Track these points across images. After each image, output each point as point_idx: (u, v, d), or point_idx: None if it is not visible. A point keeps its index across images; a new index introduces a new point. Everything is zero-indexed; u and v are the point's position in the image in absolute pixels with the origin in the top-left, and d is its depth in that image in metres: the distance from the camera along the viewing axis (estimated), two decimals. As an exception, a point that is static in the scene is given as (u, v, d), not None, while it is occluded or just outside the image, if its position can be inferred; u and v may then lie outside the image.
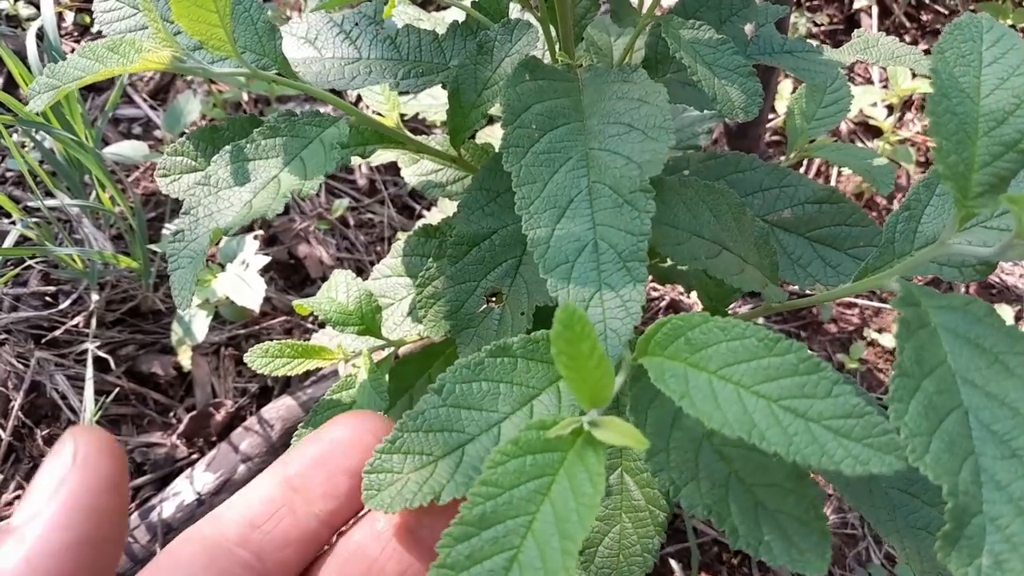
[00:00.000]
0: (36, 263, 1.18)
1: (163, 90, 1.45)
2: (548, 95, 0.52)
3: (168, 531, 0.99)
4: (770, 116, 1.40)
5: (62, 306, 1.15)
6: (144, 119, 1.40)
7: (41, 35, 1.09)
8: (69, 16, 1.48)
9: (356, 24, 0.62)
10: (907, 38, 1.60)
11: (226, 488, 1.02)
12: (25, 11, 1.43)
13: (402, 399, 0.77)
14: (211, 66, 0.55)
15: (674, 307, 1.29)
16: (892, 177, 0.78)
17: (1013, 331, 0.39)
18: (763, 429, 0.33)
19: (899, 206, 0.50)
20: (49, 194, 1.16)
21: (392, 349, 0.75)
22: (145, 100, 1.42)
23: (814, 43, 0.66)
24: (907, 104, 1.51)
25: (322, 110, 0.58)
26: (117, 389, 1.13)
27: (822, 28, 1.60)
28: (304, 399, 1.09)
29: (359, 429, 0.40)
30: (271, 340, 0.87)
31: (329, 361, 0.73)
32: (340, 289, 0.71)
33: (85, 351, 1.11)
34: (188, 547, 0.36)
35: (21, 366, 1.11)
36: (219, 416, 1.13)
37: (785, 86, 1.46)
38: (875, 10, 1.60)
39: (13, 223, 1.12)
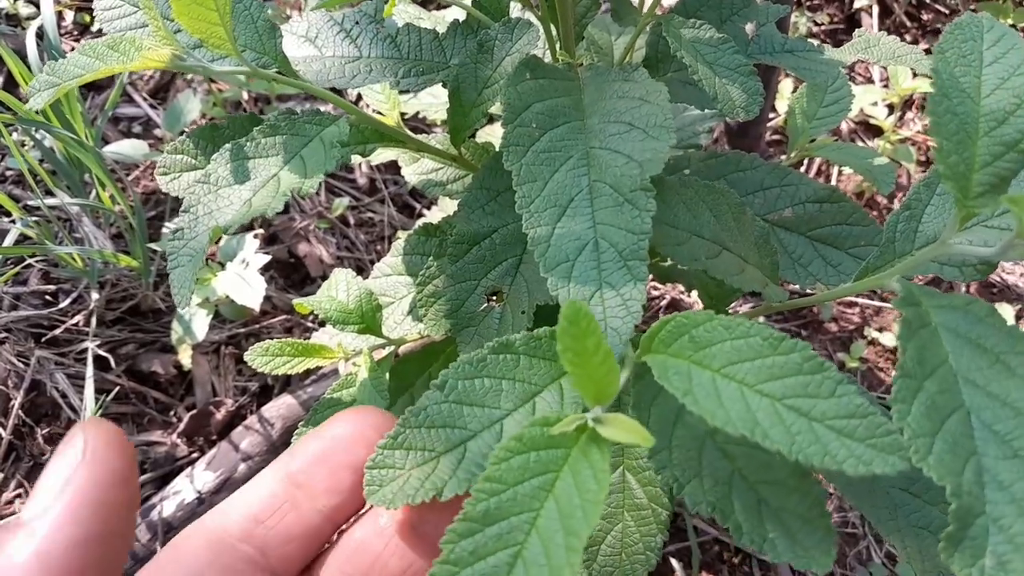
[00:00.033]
0: (36, 262, 1.18)
1: (163, 89, 1.45)
2: (549, 94, 0.52)
3: (168, 530, 0.99)
4: (771, 115, 1.40)
5: (62, 305, 1.15)
6: (144, 118, 1.40)
7: (41, 34, 1.09)
8: (69, 15, 1.48)
9: (356, 23, 0.62)
10: (908, 37, 1.60)
11: (226, 487, 1.02)
12: (25, 10, 1.43)
13: (403, 397, 0.77)
14: (211, 64, 0.55)
15: (675, 306, 1.29)
16: (893, 176, 0.78)
17: (1014, 331, 0.39)
18: (766, 428, 0.33)
19: (900, 205, 0.50)
20: (49, 193, 1.16)
21: (392, 348, 0.75)
22: (145, 99, 1.42)
23: (815, 42, 0.66)
24: (908, 103, 1.51)
25: (322, 108, 0.58)
26: (117, 388, 1.13)
27: (823, 27, 1.60)
28: (304, 398, 1.09)
29: (361, 425, 0.40)
30: (271, 339, 0.87)
31: (329, 360, 0.73)
32: (340, 288, 0.71)
33: (85, 350, 1.11)
34: (192, 542, 0.36)
35: (21, 365, 1.11)
36: (219, 415, 1.13)
37: (786, 85, 1.46)
38: (876, 9, 1.60)
39: (13, 222, 1.12)
